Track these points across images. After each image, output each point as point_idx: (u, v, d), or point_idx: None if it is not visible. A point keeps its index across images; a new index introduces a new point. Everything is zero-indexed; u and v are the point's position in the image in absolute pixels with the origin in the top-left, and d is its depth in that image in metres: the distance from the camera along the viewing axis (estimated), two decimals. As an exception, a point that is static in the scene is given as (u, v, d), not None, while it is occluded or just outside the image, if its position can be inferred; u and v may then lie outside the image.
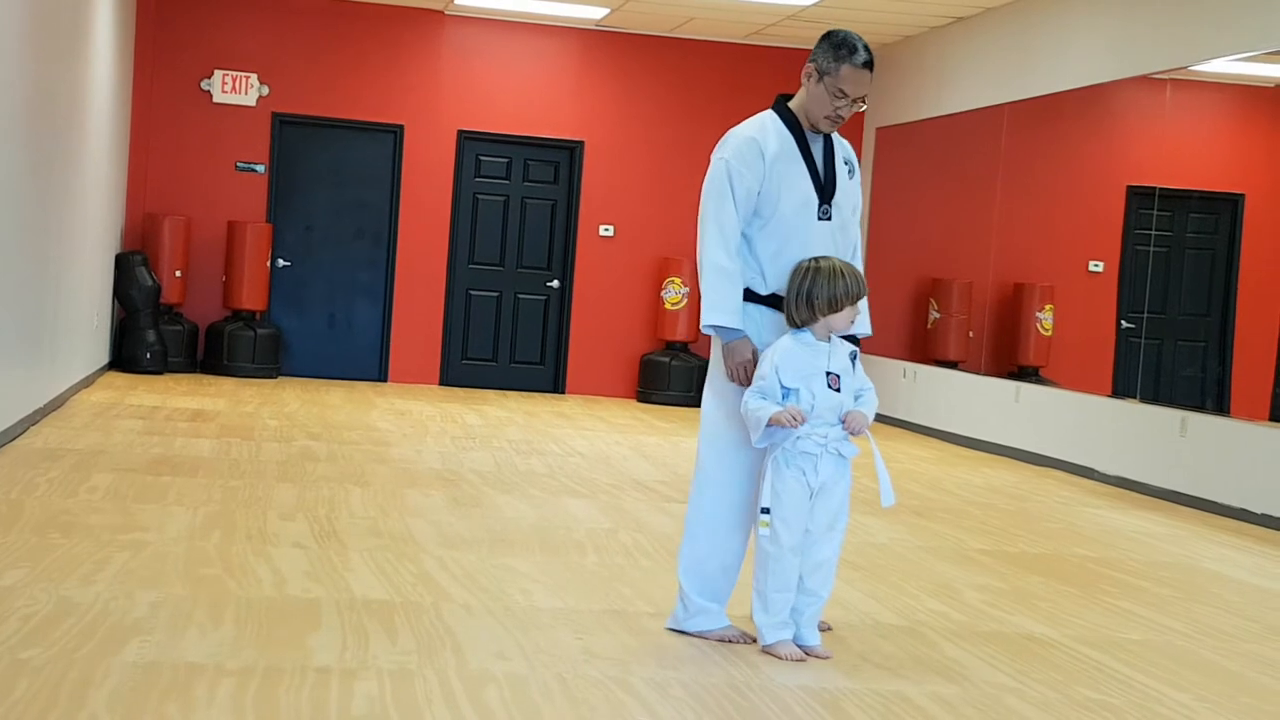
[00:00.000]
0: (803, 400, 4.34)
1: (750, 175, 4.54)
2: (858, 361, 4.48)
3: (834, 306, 4.38)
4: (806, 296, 4.39)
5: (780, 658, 4.38)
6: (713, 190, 4.57)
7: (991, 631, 5.03)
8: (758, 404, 4.35)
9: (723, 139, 4.66)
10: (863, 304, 4.73)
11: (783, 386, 4.35)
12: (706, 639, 4.58)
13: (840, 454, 4.40)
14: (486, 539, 6.07)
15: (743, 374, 4.49)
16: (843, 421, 4.39)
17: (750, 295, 4.60)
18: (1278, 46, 8.73)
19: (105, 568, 4.98)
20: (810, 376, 4.36)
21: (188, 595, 4.67)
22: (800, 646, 4.43)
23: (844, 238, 4.71)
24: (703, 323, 4.57)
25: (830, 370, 4.38)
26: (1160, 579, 6.36)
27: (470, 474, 7.99)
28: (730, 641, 4.56)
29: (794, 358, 4.37)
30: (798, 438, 4.34)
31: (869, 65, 4.60)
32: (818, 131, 4.67)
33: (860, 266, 4.80)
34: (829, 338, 4.42)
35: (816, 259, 4.45)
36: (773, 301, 4.59)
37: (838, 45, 4.59)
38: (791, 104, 4.67)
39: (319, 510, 6.46)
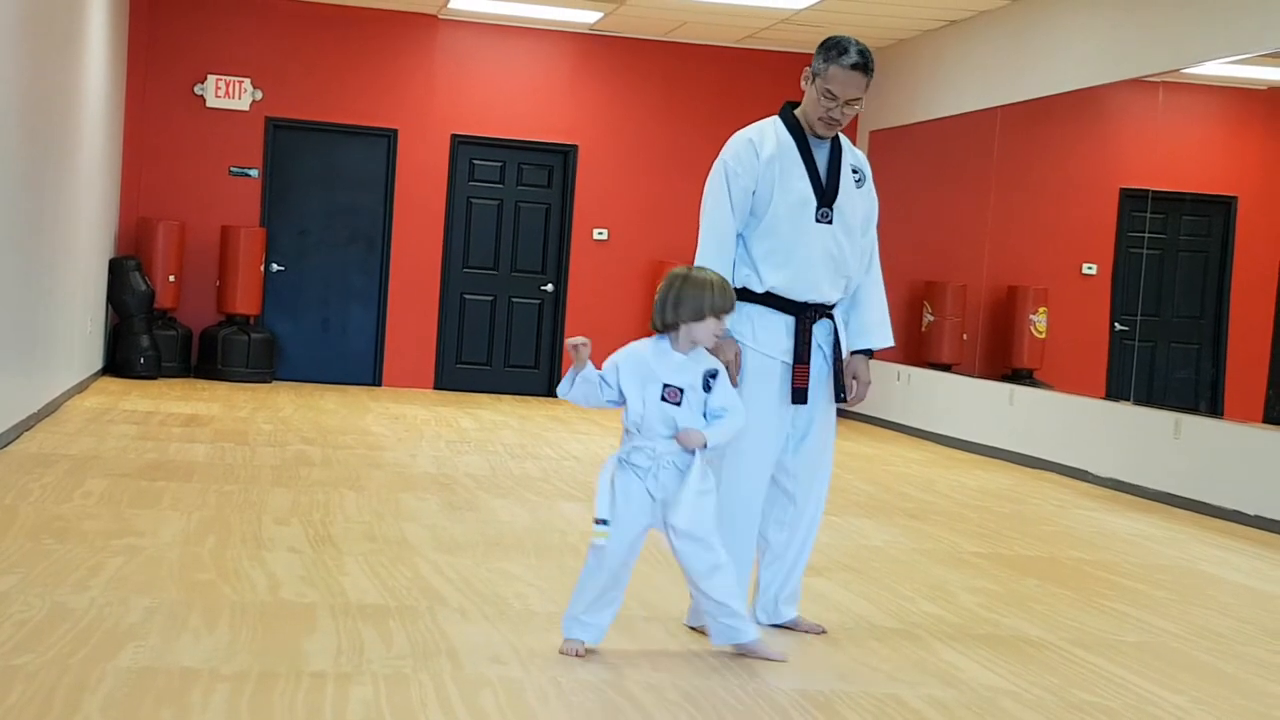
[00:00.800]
0: (632, 409, 4.25)
1: (746, 175, 4.66)
2: (718, 381, 4.32)
3: (697, 315, 4.26)
4: (674, 303, 4.29)
5: (563, 650, 4.30)
6: (710, 191, 4.72)
7: (986, 634, 5.03)
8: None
9: (727, 142, 4.79)
10: (879, 314, 4.83)
11: (619, 390, 4.28)
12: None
13: (676, 466, 4.26)
14: (481, 543, 6.07)
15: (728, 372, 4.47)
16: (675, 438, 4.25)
17: (747, 294, 4.68)
18: (1270, 49, 8.74)
19: (99, 573, 4.97)
20: (646, 384, 4.26)
21: (182, 600, 4.66)
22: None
23: (850, 243, 4.75)
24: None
25: (669, 383, 4.27)
26: (1155, 581, 6.37)
27: (465, 478, 7.99)
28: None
29: (638, 363, 4.29)
30: (632, 448, 4.26)
31: (859, 67, 4.65)
32: (821, 136, 4.72)
33: (877, 276, 4.87)
34: (689, 349, 4.32)
35: (690, 268, 4.38)
36: (769, 300, 4.67)
37: (829, 47, 4.71)
38: (797, 110, 4.77)
39: (313, 515, 6.45)
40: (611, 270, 13.87)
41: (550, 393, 13.84)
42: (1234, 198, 10.07)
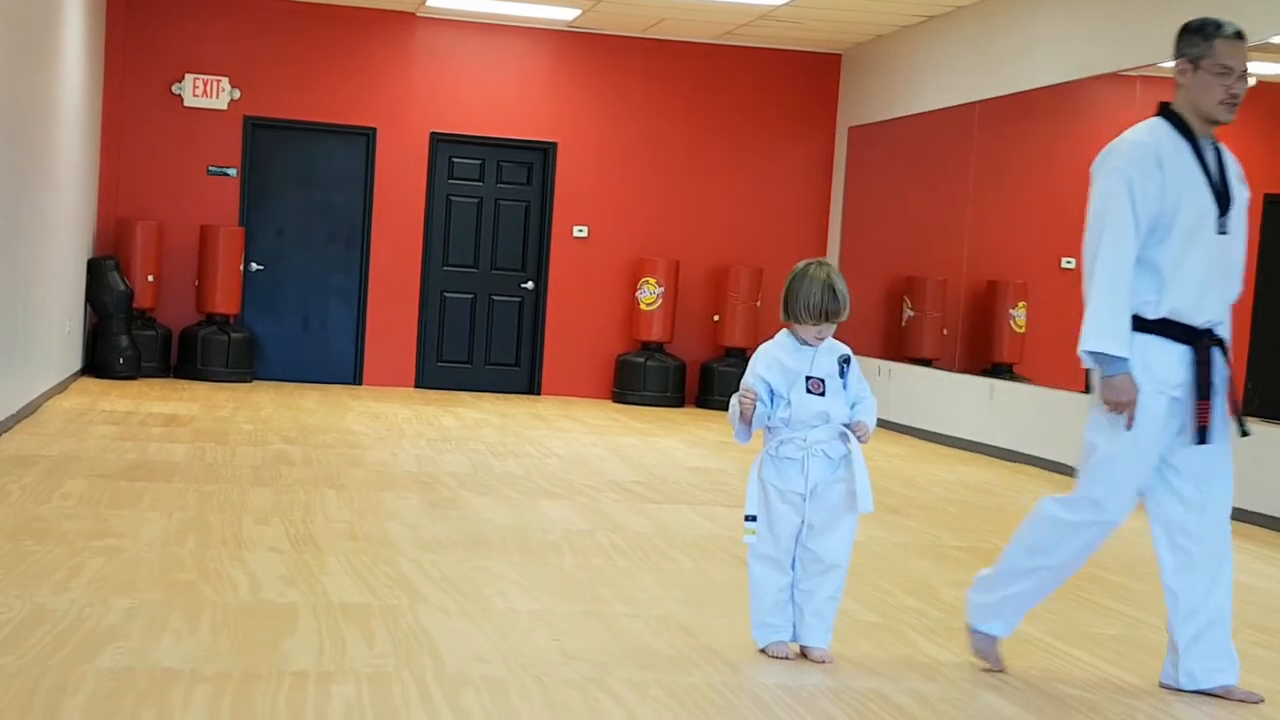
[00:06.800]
0: (779, 406, 4.33)
1: (1150, 184, 4.20)
2: (851, 366, 4.41)
3: (799, 318, 4.34)
4: (784, 301, 4.38)
5: (769, 656, 4.38)
6: (1110, 205, 4.22)
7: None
8: (733, 404, 4.37)
9: (1106, 150, 4.35)
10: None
11: (771, 391, 4.35)
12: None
13: (827, 455, 4.36)
14: (463, 541, 6.06)
15: (1123, 414, 4.15)
16: (849, 427, 4.35)
17: (1138, 322, 4.19)
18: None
19: (79, 574, 4.95)
20: (793, 382, 4.34)
21: (163, 601, 4.65)
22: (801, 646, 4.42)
23: (1240, 256, 4.32)
24: (1081, 346, 4.14)
25: (811, 374, 4.35)
26: (1137, 574, 6.38)
27: (446, 476, 7.98)
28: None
29: (779, 366, 4.35)
30: (780, 443, 4.34)
31: (1240, 35, 4.28)
32: (1221, 123, 4.31)
33: (1238, 286, 4.34)
34: (816, 343, 4.38)
35: (814, 263, 4.40)
36: (1160, 328, 4.19)
37: (1199, 29, 4.29)
38: (1175, 109, 4.35)
39: (294, 514, 6.44)
40: (592, 267, 13.86)
41: (531, 390, 13.82)
42: (1212, 191, 10.08)
